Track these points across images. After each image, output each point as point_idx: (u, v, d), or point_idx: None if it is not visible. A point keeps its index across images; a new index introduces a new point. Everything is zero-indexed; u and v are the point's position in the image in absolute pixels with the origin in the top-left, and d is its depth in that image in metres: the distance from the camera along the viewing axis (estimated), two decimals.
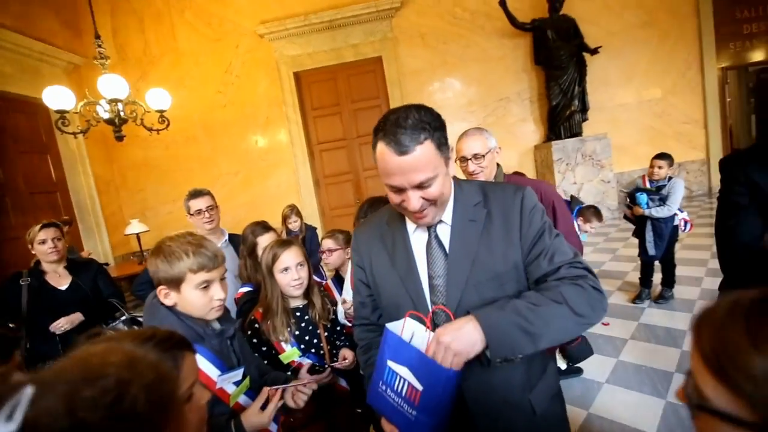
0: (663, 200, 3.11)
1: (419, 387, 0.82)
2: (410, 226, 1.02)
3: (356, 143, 6.92)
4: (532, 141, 6.78)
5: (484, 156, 1.77)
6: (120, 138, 4.36)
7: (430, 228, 0.98)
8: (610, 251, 4.80)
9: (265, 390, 1.07)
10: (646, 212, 3.15)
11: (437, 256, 0.98)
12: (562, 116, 6.26)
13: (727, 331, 0.37)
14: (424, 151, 0.83)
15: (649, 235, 3.19)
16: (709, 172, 6.82)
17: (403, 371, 0.85)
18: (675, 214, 3.14)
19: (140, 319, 2.37)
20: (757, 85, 7.53)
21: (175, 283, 0.99)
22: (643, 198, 3.18)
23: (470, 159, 1.77)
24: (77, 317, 2.18)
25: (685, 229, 3.19)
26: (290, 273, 1.37)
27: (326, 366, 1.39)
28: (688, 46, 6.51)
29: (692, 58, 6.53)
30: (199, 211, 2.08)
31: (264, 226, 1.90)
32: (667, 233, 3.15)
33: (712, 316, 0.39)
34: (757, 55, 6.67)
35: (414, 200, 0.87)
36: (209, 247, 1.02)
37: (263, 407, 1.01)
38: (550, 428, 0.96)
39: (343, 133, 6.88)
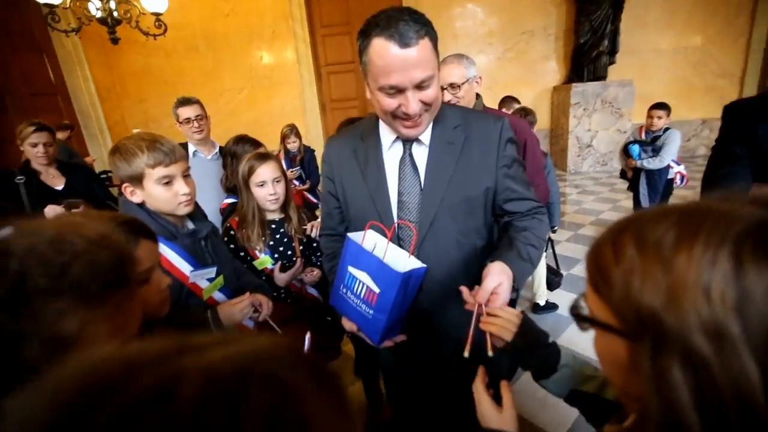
0: (656, 151, 3.02)
1: (376, 290, 0.89)
2: (385, 142, 1.01)
3: None
4: (552, 81, 6.39)
5: (460, 86, 1.66)
6: (115, 41, 4.16)
7: (405, 145, 0.98)
8: (611, 201, 4.77)
9: (247, 295, 1.13)
10: (638, 163, 3.07)
11: (409, 174, 0.99)
12: (588, 57, 5.82)
13: (600, 245, 0.40)
14: (425, 45, 0.80)
15: (642, 188, 3.14)
16: None
17: (362, 276, 0.92)
18: (670, 167, 3.06)
19: None
20: None
21: (137, 179, 1.00)
22: (635, 149, 3.10)
23: (446, 88, 1.67)
24: (81, 206, 2.24)
25: (680, 183, 3.12)
26: (266, 187, 1.38)
27: (295, 260, 1.47)
28: None
29: (745, 3, 5.87)
30: (187, 120, 2.04)
31: (252, 142, 1.87)
32: (660, 186, 3.10)
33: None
34: None
35: (413, 102, 0.83)
36: (165, 142, 1.02)
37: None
38: None
39: (352, 56, 6.48)
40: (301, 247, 1.50)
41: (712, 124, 6.43)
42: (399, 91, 0.83)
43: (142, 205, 1.05)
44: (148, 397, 0.19)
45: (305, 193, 3.46)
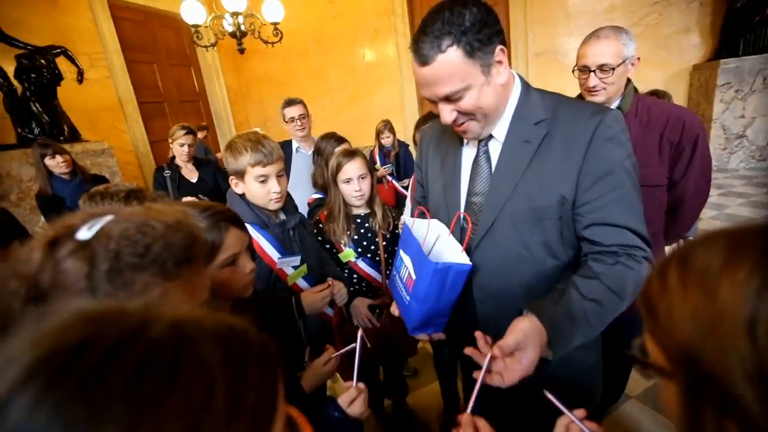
0: None
1: (414, 276, 0.88)
2: (464, 139, 0.97)
3: None
4: (692, 59, 5.35)
5: (614, 69, 1.34)
6: (242, 51, 4.78)
7: (480, 142, 0.92)
8: (767, 207, 3.84)
9: (327, 284, 1.23)
10: None
11: (482, 174, 0.92)
12: (747, 24, 4.71)
13: (649, 278, 0.35)
14: (447, 60, 0.74)
15: None
16: None
17: (407, 260, 0.92)
18: None
19: None
20: None
21: (240, 174, 1.16)
22: None
23: (594, 70, 1.37)
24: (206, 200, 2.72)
25: None
26: (352, 184, 1.45)
27: (376, 311, 1.51)
28: None
29: None
30: (292, 119, 2.26)
31: (337, 138, 1.99)
32: None
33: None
34: None
35: (445, 113, 0.81)
36: (267, 144, 1.14)
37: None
38: (570, 377, 0.87)
39: None
40: (384, 243, 1.55)
41: None
42: (433, 100, 0.82)
43: (243, 197, 1.21)
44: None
45: (397, 187, 3.52)
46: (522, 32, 5.81)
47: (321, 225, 1.54)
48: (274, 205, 1.19)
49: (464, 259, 0.85)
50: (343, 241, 1.50)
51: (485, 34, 0.74)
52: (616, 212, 0.80)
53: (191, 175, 2.77)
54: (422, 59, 0.75)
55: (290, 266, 1.22)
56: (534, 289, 0.88)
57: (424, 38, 0.74)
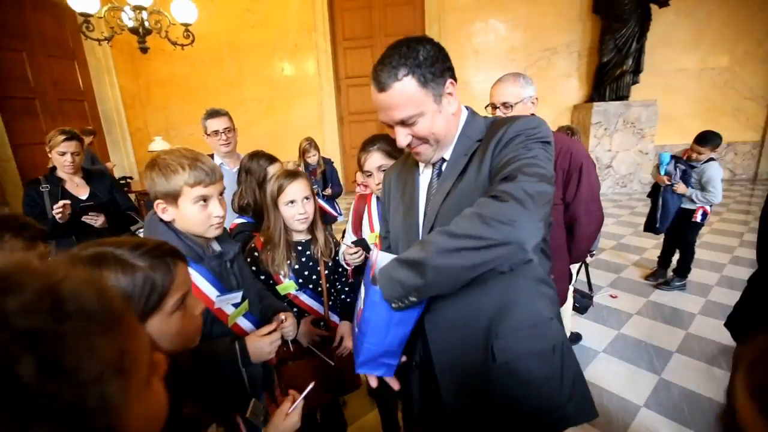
0: (686, 180, 2.86)
1: (361, 305, 0.87)
2: (421, 163, 1.00)
3: None
4: (573, 100, 6.32)
5: (513, 106, 1.63)
6: (144, 50, 4.26)
7: (434, 165, 0.96)
8: (632, 225, 4.63)
9: (275, 321, 1.09)
10: (691, 195, 2.85)
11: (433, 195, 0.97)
12: (611, 75, 5.74)
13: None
14: (402, 88, 0.81)
15: (659, 206, 2.96)
16: (760, 156, 6.30)
17: (363, 289, 0.89)
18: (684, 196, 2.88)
19: None
20: None
21: (172, 197, 0.97)
22: (666, 157, 2.88)
23: (498, 107, 1.64)
24: (101, 218, 2.24)
25: (701, 220, 2.89)
26: (296, 206, 1.34)
27: (322, 324, 1.42)
28: None
29: None
30: (215, 132, 2.03)
31: (268, 157, 1.84)
32: (672, 209, 2.92)
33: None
34: None
35: (400, 136, 0.87)
36: (206, 161, 0.99)
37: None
38: (513, 383, 0.87)
39: None
40: (326, 272, 1.45)
41: (737, 148, 6.26)
42: (390, 125, 0.88)
43: (169, 224, 1.02)
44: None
45: (323, 205, 3.43)
46: None
47: (257, 253, 1.38)
48: (213, 232, 1.03)
49: None
50: (282, 272, 1.36)
51: (437, 68, 0.82)
52: (511, 159, 0.80)
53: (79, 190, 2.29)
54: (380, 86, 0.82)
55: (230, 304, 1.06)
56: (483, 308, 0.88)
57: (383, 68, 0.81)
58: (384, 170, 1.32)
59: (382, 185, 1.15)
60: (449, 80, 0.86)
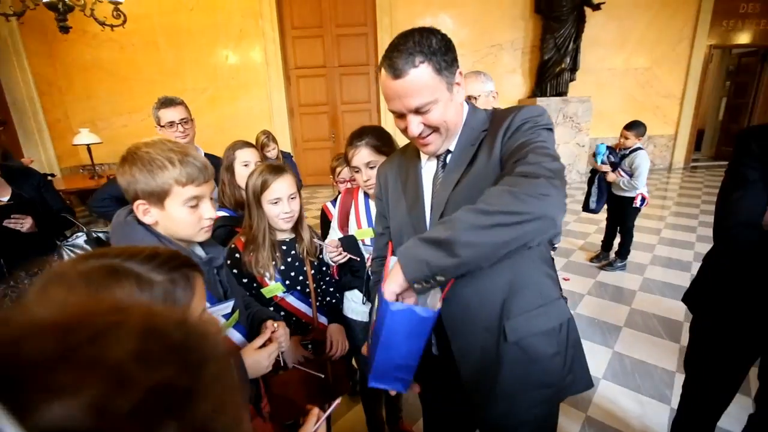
0: (615, 165, 3.23)
1: (374, 316, 0.83)
2: (424, 156, 0.99)
3: (337, 73, 6.45)
4: (517, 95, 6.65)
5: (476, 98, 1.77)
6: (65, 30, 3.76)
7: (439, 157, 0.96)
8: (575, 213, 5.01)
9: (268, 330, 1.00)
10: (619, 182, 3.20)
11: (440, 187, 0.95)
12: (552, 73, 6.12)
13: None
14: (419, 74, 0.80)
15: (594, 189, 3.34)
16: (674, 148, 7.11)
17: (376, 301, 0.85)
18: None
19: (103, 236, 2.17)
20: (737, 68, 7.66)
21: (158, 196, 0.85)
22: (602, 147, 3.25)
23: (467, 99, 1.73)
24: (28, 221, 1.94)
25: (641, 204, 3.23)
26: (281, 205, 1.25)
27: (309, 346, 1.33)
28: (685, 18, 6.42)
29: (686, 31, 6.48)
30: (171, 123, 1.83)
31: (242, 143, 1.72)
32: (605, 191, 3.33)
33: None
34: (744, 38, 6.72)
35: (413, 125, 0.85)
36: (197, 156, 0.88)
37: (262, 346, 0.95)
38: (523, 358, 0.91)
39: (323, 60, 6.36)
40: (312, 271, 1.38)
41: (656, 141, 7.01)
42: (401, 114, 0.86)
43: (149, 228, 0.89)
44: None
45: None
46: None
47: (238, 255, 1.28)
48: (203, 236, 0.92)
49: (434, 301, 0.80)
50: (268, 274, 1.27)
51: (450, 57, 0.83)
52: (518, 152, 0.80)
53: (0, 191, 1.97)
54: (396, 72, 0.80)
55: (220, 315, 0.96)
56: (515, 288, 0.90)
57: (399, 54, 0.80)
58: (373, 167, 1.28)
59: (377, 182, 1.10)
60: (458, 70, 0.87)
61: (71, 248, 2.01)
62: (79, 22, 4.24)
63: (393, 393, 0.93)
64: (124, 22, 3.83)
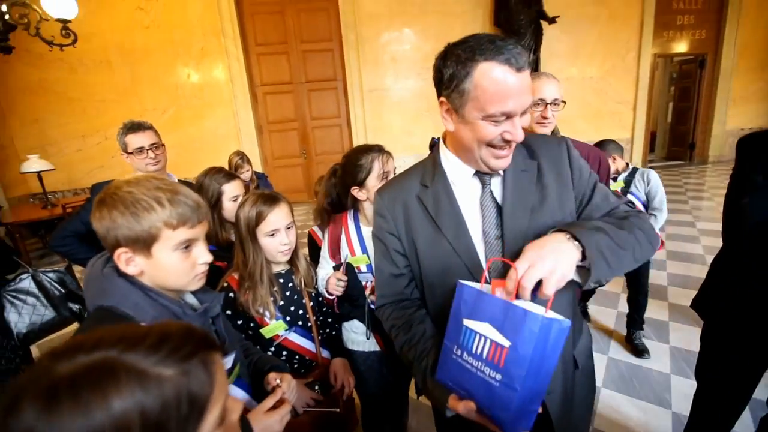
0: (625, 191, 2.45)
1: (505, 343, 0.68)
2: (455, 180, 0.89)
3: (304, 89, 6.35)
4: None
5: (558, 104, 1.59)
6: (7, 50, 3.46)
7: (485, 179, 0.88)
8: None
9: (278, 391, 0.87)
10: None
11: (490, 211, 0.87)
12: None
13: None
14: (528, 72, 0.77)
15: None
16: (632, 150, 7.52)
17: (483, 328, 0.71)
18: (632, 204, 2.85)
19: (49, 275, 1.92)
20: (679, 74, 8.27)
21: (144, 242, 0.72)
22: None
23: (549, 103, 1.56)
24: None
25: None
26: (279, 236, 1.14)
27: (317, 389, 1.19)
28: (630, 30, 6.85)
29: (633, 42, 6.91)
30: (140, 149, 1.66)
31: (225, 173, 1.59)
32: None
33: None
34: (683, 47, 7.28)
35: (520, 129, 0.79)
36: (188, 194, 0.76)
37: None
38: (587, 381, 1.01)
39: (290, 77, 6.25)
40: (311, 303, 1.26)
41: None
42: (508, 117, 0.77)
43: (133, 280, 0.76)
44: None
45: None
46: (356, 71, 6.22)
47: (232, 295, 1.14)
48: (197, 284, 0.79)
49: (553, 313, 0.68)
50: (268, 313, 1.14)
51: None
52: (603, 203, 0.91)
53: None
54: (520, 65, 0.74)
55: None
56: (574, 316, 0.91)
57: (516, 47, 0.75)
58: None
59: (385, 214, 0.94)
60: None
61: (14, 294, 1.75)
62: (22, 41, 3.92)
63: None
64: (75, 41, 3.57)
